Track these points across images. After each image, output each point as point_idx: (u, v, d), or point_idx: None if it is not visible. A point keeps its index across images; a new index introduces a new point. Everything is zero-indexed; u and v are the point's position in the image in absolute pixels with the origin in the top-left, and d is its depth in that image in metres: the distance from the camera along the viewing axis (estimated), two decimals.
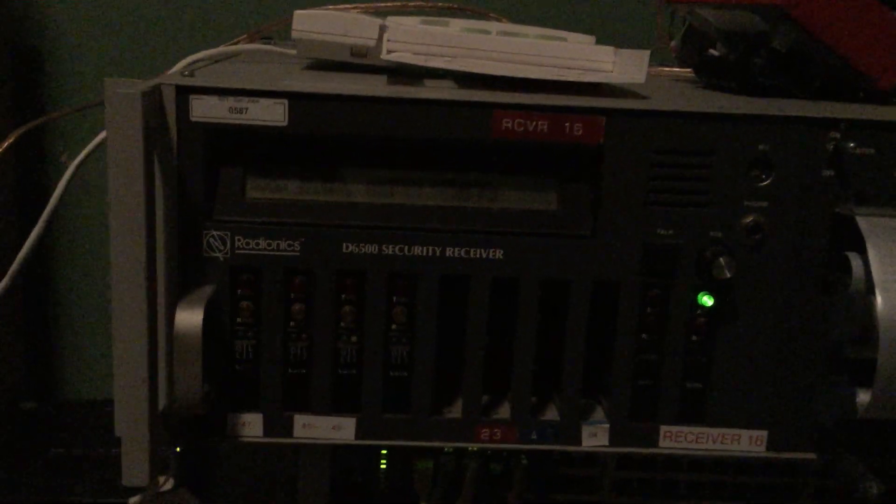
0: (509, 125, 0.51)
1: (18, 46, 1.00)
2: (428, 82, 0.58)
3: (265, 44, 0.74)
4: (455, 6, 0.78)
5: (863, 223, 0.51)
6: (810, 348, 0.54)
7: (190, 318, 0.48)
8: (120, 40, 1.02)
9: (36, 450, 0.94)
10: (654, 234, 0.52)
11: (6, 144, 0.66)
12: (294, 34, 0.60)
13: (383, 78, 0.59)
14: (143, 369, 0.47)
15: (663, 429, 0.55)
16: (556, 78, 0.54)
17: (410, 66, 0.57)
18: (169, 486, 0.63)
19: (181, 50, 0.68)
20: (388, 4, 0.75)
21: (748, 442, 0.55)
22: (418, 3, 0.77)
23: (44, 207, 0.62)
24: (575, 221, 0.53)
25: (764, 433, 0.55)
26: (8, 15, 0.97)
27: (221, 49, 0.68)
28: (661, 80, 0.73)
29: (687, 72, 0.74)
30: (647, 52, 0.55)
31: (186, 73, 0.53)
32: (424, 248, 0.52)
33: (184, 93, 0.50)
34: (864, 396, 0.51)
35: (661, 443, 0.55)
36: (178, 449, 0.67)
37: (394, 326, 0.53)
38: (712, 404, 0.55)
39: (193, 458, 0.70)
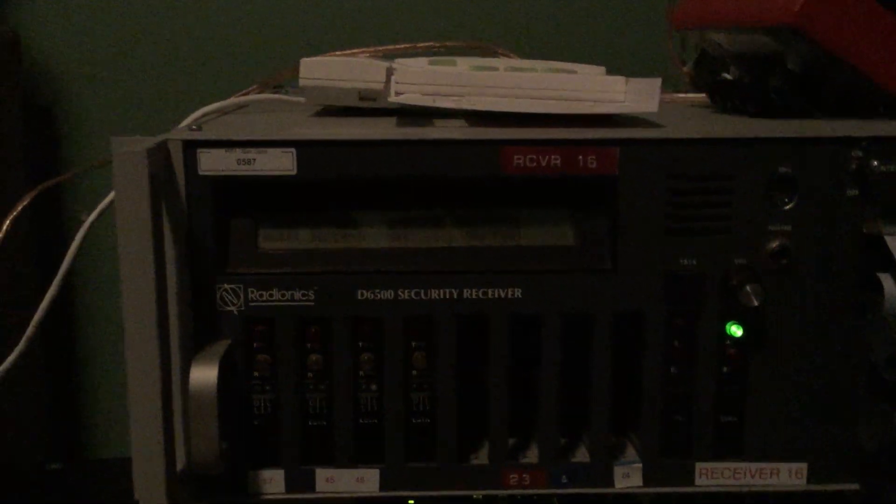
0: (521, 161, 0.50)
1: (30, 105, 1.01)
2: (438, 122, 0.58)
3: (276, 93, 0.74)
4: (464, 44, 0.78)
5: (892, 242, 0.50)
6: (847, 374, 0.52)
7: (205, 375, 0.47)
8: (131, 96, 1.03)
9: None
10: (677, 263, 0.51)
11: (22, 205, 0.66)
12: (301, 82, 0.59)
13: (393, 120, 0.58)
14: (159, 430, 0.46)
15: (699, 466, 0.53)
16: (566, 111, 0.53)
17: (419, 107, 0.56)
18: None
19: (192, 102, 0.68)
20: (397, 47, 0.74)
21: (788, 475, 0.53)
22: (427, 44, 0.76)
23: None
24: (594, 255, 0.52)
25: (804, 465, 0.53)
26: (19, 74, 0.98)
27: (230, 101, 0.68)
28: (676, 107, 0.72)
29: (701, 97, 0.73)
30: (659, 80, 0.55)
31: (194, 126, 0.53)
32: (441, 291, 0.51)
33: (191, 147, 0.49)
34: None
35: (698, 480, 0.53)
36: None
37: (414, 372, 0.52)
38: (749, 437, 0.53)
39: None
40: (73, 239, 0.61)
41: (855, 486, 0.54)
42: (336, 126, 0.57)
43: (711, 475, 0.53)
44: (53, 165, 1.03)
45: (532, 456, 0.54)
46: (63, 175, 0.76)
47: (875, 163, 0.49)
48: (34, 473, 1.00)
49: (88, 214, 0.63)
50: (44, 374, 1.05)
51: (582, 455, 0.54)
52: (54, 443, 1.07)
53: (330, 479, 0.53)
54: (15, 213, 0.66)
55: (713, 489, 0.53)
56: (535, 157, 0.50)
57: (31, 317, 0.62)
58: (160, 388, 0.46)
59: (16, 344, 0.63)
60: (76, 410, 1.09)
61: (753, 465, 0.53)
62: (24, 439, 1.00)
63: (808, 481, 0.53)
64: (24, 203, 0.66)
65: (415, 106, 0.56)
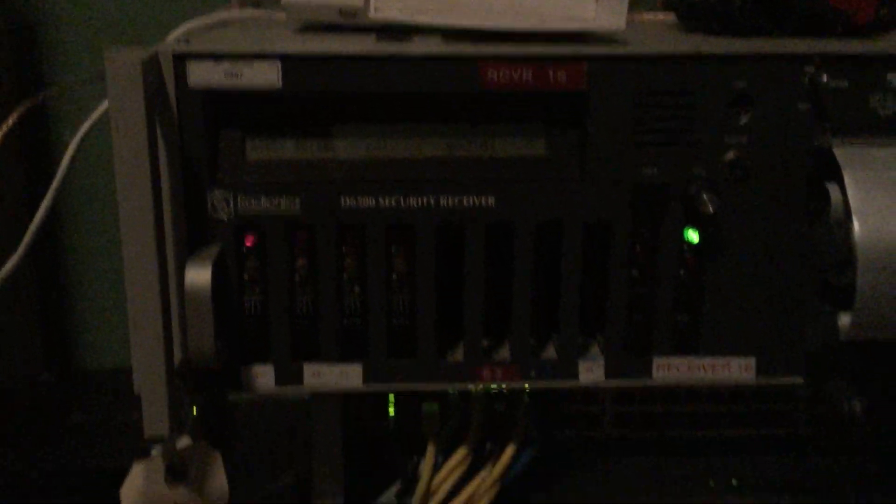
0: (495, 76, 0.53)
1: (13, 24, 1.01)
2: (416, 39, 0.60)
3: (255, 9, 0.75)
4: None
5: (839, 153, 0.53)
6: (794, 277, 0.56)
7: (199, 275, 0.50)
8: (113, 14, 1.03)
9: (55, 419, 0.96)
10: (641, 174, 0.54)
11: (11, 120, 0.68)
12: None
13: (372, 36, 0.61)
14: (158, 326, 0.50)
15: (656, 360, 0.57)
16: (537, 28, 0.56)
17: (398, 23, 0.58)
18: (186, 444, 0.66)
19: (174, 19, 0.69)
20: None
21: (738, 369, 0.58)
22: None
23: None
24: (563, 165, 0.55)
25: (752, 360, 0.58)
26: None
27: (214, 16, 0.69)
28: (646, 26, 0.74)
29: (671, 17, 0.76)
30: None
31: (183, 40, 0.55)
32: (419, 199, 0.54)
33: (181, 59, 0.52)
34: (845, 320, 0.53)
35: (655, 374, 0.58)
36: (194, 410, 0.69)
37: (395, 276, 0.56)
38: (702, 335, 0.57)
39: (210, 416, 0.73)
40: (60, 156, 0.64)
41: (800, 380, 0.58)
42: (318, 41, 0.59)
43: (668, 369, 0.58)
44: (39, 86, 1.04)
45: (504, 354, 0.58)
46: (50, 89, 0.78)
47: (825, 78, 0.53)
48: (26, 385, 1.04)
49: (72, 132, 0.65)
50: (34, 286, 1.07)
51: (550, 353, 0.58)
52: (46, 354, 1.10)
53: (316, 374, 0.57)
54: (5, 129, 0.68)
55: (669, 382, 0.58)
56: (508, 72, 0.53)
57: (23, 232, 0.64)
58: (158, 287, 0.49)
59: (6, 260, 0.65)
60: (67, 322, 1.12)
61: (706, 360, 0.58)
62: (14, 351, 1.03)
63: (757, 375, 0.58)
64: (13, 119, 0.68)
65: (394, 22, 0.58)
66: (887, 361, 0.57)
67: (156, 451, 0.55)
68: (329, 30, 0.64)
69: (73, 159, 0.64)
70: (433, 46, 0.55)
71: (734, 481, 0.71)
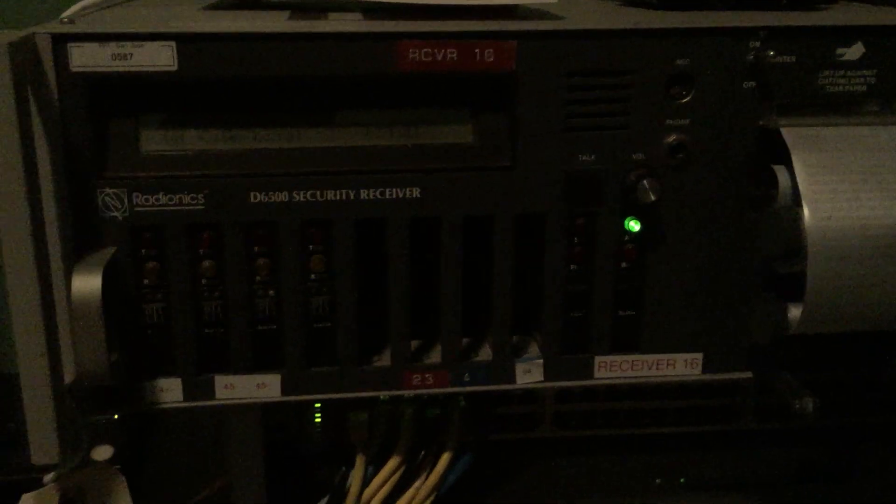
0: (416, 55, 0.48)
1: None
2: (332, 16, 0.55)
3: None
4: None
5: (787, 135, 0.50)
6: (740, 267, 0.53)
7: (87, 283, 0.45)
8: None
9: None
10: (576, 160, 0.50)
11: None
12: None
13: (286, 14, 0.55)
14: (41, 342, 0.44)
15: (598, 359, 0.54)
16: (464, 2, 0.51)
17: (314, 1, 0.53)
18: (108, 454, 0.61)
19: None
20: None
21: (684, 366, 0.55)
22: None
23: None
24: (493, 153, 0.51)
25: (699, 356, 0.54)
26: None
27: None
28: (580, 2, 0.70)
29: None
30: None
31: (66, 20, 0.49)
32: (337, 192, 0.50)
33: (61, 41, 0.46)
34: (795, 312, 0.50)
35: (597, 373, 0.54)
36: (115, 417, 0.64)
37: (312, 276, 0.51)
38: (646, 331, 0.54)
39: (132, 426, 0.67)
40: None
41: (748, 375, 0.55)
42: (223, 19, 0.53)
43: (610, 368, 0.54)
44: None
45: (435, 357, 0.54)
46: None
47: (772, 53, 0.49)
48: None
49: None
50: None
51: (485, 354, 0.54)
52: None
53: (229, 386, 0.52)
54: None
55: (611, 382, 0.54)
56: (430, 50, 0.48)
57: None
58: (39, 299, 0.44)
59: None
60: None
61: (650, 357, 0.54)
62: None
63: (703, 371, 0.55)
64: None
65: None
66: (837, 354, 0.55)
67: (48, 478, 0.49)
68: (241, 7, 0.59)
69: None
70: (348, 24, 0.50)
71: (682, 480, 0.68)
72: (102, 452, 0.56)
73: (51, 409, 0.45)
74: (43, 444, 0.45)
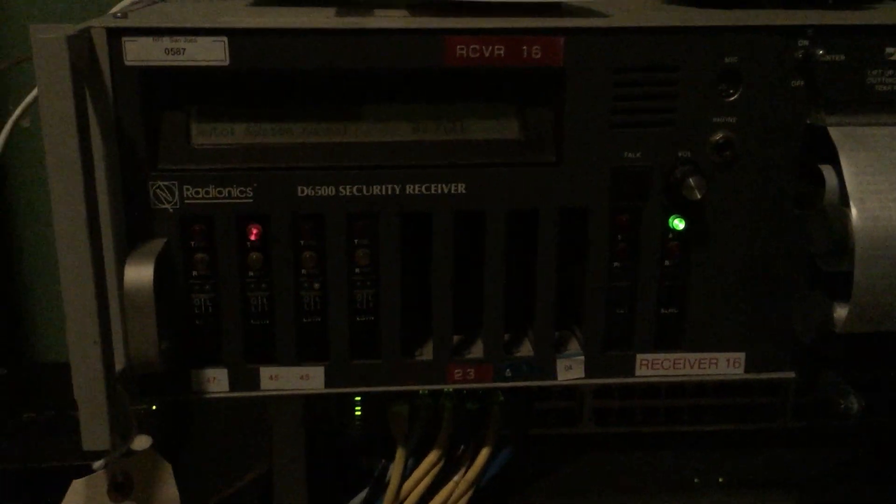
0: (464, 51, 0.49)
1: None
2: (378, 12, 0.56)
3: None
4: None
5: (835, 133, 0.50)
6: (786, 265, 0.53)
7: (139, 273, 0.46)
8: None
9: (8, 415, 0.92)
10: (622, 157, 0.50)
11: None
12: None
13: (332, 10, 0.56)
14: (95, 330, 0.45)
15: (639, 357, 0.54)
16: None
17: None
18: (146, 444, 0.62)
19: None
20: None
21: (726, 365, 0.54)
22: None
23: None
24: (538, 149, 0.51)
25: (741, 355, 0.54)
26: None
27: None
28: None
29: None
30: None
31: (119, 14, 0.50)
32: (383, 187, 0.50)
33: (115, 35, 0.47)
34: (841, 311, 0.50)
35: (638, 371, 0.54)
36: (153, 407, 0.65)
37: (357, 270, 0.52)
38: (688, 329, 0.54)
39: (170, 416, 0.68)
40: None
41: (791, 375, 0.55)
42: (272, 15, 0.54)
43: (652, 366, 0.54)
44: None
45: (477, 351, 0.54)
46: None
47: (820, 52, 0.49)
48: None
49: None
50: None
51: (526, 349, 0.55)
52: None
53: (274, 377, 0.52)
54: None
55: (653, 380, 0.54)
56: (478, 46, 0.49)
57: None
58: (94, 288, 0.45)
59: None
60: (19, 314, 1.07)
61: (692, 356, 0.54)
62: None
63: (746, 370, 0.55)
64: None
65: None
66: (884, 354, 0.54)
67: (98, 465, 0.50)
68: (288, 3, 0.59)
69: (16, 142, 0.59)
70: (396, 20, 0.50)
71: (720, 479, 0.68)
72: (141, 442, 0.57)
73: (103, 397, 0.46)
74: (94, 430, 0.46)
